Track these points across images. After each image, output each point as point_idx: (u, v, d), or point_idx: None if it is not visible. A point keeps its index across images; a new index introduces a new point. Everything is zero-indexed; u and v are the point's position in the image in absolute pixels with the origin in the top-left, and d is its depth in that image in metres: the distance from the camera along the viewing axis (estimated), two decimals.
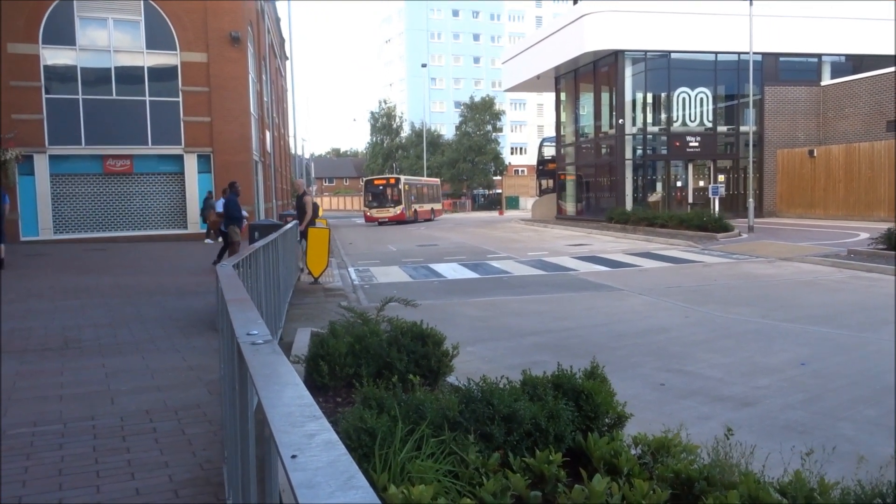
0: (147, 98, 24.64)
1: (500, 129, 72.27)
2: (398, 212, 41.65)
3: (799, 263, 15.70)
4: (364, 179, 48.59)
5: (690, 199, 30.22)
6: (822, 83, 31.17)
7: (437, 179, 55.10)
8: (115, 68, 24.32)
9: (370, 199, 42.82)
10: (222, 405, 3.84)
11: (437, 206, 49.37)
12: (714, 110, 30.55)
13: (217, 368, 5.27)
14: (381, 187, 42.73)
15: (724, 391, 6.27)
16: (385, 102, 77.99)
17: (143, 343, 7.59)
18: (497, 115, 69.02)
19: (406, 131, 76.90)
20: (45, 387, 5.85)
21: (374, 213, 42.15)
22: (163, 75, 24.89)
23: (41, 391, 5.71)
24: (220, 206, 15.24)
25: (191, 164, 25.09)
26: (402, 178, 44.16)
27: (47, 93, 23.62)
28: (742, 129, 30.01)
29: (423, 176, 57.99)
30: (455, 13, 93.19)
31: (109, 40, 24.28)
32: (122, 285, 12.65)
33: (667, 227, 23.33)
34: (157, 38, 24.56)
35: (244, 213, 14.73)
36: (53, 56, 23.81)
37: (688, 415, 5.53)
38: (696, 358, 7.47)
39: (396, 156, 73.48)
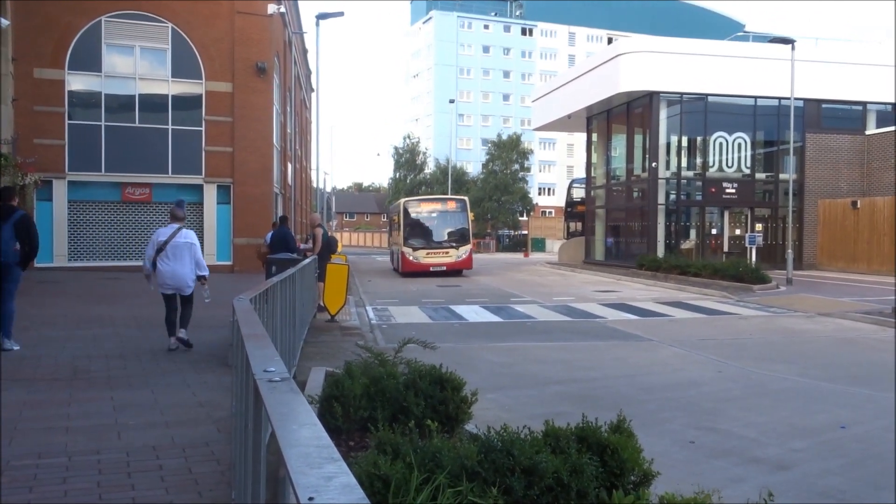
0: (170, 126, 24.30)
1: (528, 169, 71.51)
2: (464, 256, 27.45)
3: (840, 320, 15.12)
4: (404, 202, 30.18)
5: (726, 248, 29.10)
6: (867, 132, 30.05)
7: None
8: (140, 96, 24.06)
9: (411, 233, 27.82)
10: (232, 444, 3.81)
11: None
12: (753, 156, 29.54)
13: (228, 406, 5.29)
14: (433, 215, 28.53)
15: (758, 452, 6.05)
16: (410, 137, 77.76)
17: (154, 376, 7.52)
18: (524, 154, 68.30)
19: (430, 167, 76.44)
20: (51, 418, 5.77)
21: (423, 256, 27.17)
22: (186, 104, 24.57)
23: (48, 422, 5.63)
24: (268, 238, 14.96)
25: (210, 194, 24.59)
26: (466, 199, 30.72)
27: (70, 118, 23.38)
28: (782, 176, 29.07)
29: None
30: (485, 49, 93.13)
31: (135, 67, 24.05)
32: (136, 316, 12.63)
33: (700, 277, 22.59)
34: (182, 67, 24.27)
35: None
36: (78, 82, 23.61)
37: (719, 476, 5.33)
38: (728, 416, 7.23)
39: (420, 192, 73.03)
